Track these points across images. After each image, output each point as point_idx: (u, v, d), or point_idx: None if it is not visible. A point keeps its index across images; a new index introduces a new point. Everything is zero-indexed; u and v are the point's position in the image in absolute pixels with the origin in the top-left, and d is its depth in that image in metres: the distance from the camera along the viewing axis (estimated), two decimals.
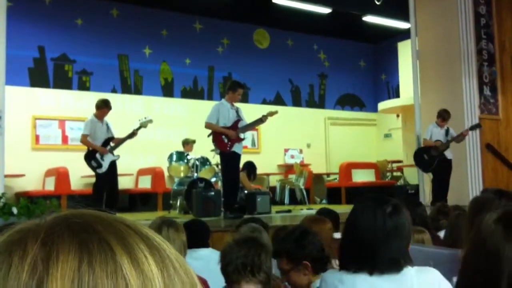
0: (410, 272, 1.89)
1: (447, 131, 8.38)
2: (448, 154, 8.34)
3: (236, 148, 7.26)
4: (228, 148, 7.20)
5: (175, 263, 0.49)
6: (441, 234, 3.69)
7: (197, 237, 3.33)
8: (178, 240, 2.78)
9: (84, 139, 7.50)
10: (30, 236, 0.46)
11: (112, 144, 7.55)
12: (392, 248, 1.90)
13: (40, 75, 10.82)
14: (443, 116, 8.35)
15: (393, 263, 1.89)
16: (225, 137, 7.21)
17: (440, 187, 8.21)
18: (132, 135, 7.62)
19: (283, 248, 2.59)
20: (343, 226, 2.22)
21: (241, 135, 7.36)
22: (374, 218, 1.93)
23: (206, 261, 2.95)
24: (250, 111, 7.93)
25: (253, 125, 7.66)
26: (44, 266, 0.43)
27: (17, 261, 0.44)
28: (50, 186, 10.02)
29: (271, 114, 7.38)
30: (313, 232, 2.69)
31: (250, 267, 2.20)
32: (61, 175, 9.91)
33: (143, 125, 7.66)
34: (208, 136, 7.44)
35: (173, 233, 2.78)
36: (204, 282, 2.70)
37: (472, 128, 8.50)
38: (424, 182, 8.96)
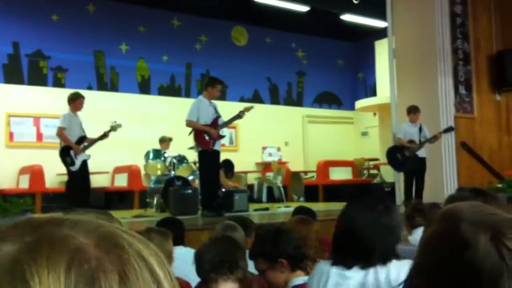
0: (393, 265, 2.02)
1: (420, 129, 8.44)
2: (422, 152, 8.39)
3: (216, 145, 7.24)
4: (210, 146, 7.17)
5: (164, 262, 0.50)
6: (417, 231, 3.71)
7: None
8: (164, 251, 2.82)
9: (60, 132, 7.33)
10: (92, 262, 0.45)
11: (85, 143, 7.44)
12: (385, 244, 2.04)
13: (14, 71, 10.64)
14: (413, 111, 8.41)
15: (385, 258, 2.02)
16: (207, 135, 7.17)
17: (416, 186, 8.26)
18: (104, 136, 7.55)
19: (258, 249, 2.58)
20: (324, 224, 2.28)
21: (221, 132, 7.35)
22: (369, 216, 2.08)
23: (182, 260, 2.91)
24: (228, 109, 7.90)
25: (231, 121, 7.65)
26: None
27: None
28: (24, 184, 9.88)
29: (248, 109, 7.42)
30: (287, 230, 2.70)
31: (228, 264, 2.20)
32: (35, 173, 9.77)
33: (113, 128, 7.60)
34: (189, 134, 7.40)
35: (160, 243, 2.82)
36: (187, 285, 2.68)
37: (445, 131, 8.56)
38: (401, 180, 9.02)
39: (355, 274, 2.03)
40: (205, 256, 2.26)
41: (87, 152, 7.48)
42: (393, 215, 2.11)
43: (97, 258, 0.45)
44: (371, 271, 2.01)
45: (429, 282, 0.92)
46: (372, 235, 2.03)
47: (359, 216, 2.10)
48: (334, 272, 2.08)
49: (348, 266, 2.05)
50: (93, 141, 7.54)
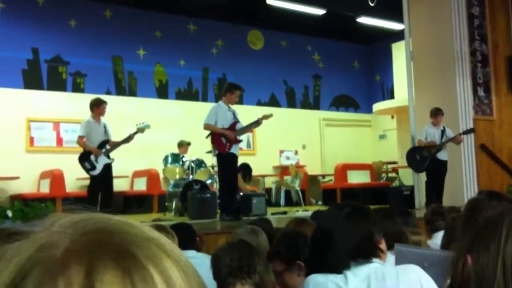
0: (388, 266, 2.02)
1: (443, 132, 8.38)
2: (443, 155, 8.34)
3: (233, 149, 7.29)
4: (227, 149, 7.23)
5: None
6: (437, 235, 3.69)
7: (183, 240, 3.29)
8: None
9: (79, 140, 7.47)
10: (72, 260, 0.45)
11: (108, 147, 7.52)
12: (349, 247, 2.01)
13: (34, 77, 10.78)
14: (435, 113, 8.38)
15: (352, 261, 1.99)
16: (224, 138, 7.24)
17: (434, 189, 8.21)
18: (128, 139, 7.61)
19: (275, 250, 2.59)
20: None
21: (238, 137, 7.41)
22: (328, 221, 2.10)
23: (195, 264, 2.91)
24: (244, 113, 7.94)
25: (249, 128, 7.72)
26: None
27: None
28: (45, 188, 9.98)
29: (266, 117, 7.48)
30: (305, 234, 2.70)
31: (246, 269, 2.20)
32: (56, 178, 9.87)
33: (140, 130, 7.64)
34: (207, 137, 7.49)
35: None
36: None
37: (466, 132, 8.52)
38: (419, 183, 8.97)
39: (352, 282, 1.99)
40: (222, 261, 2.26)
41: (111, 156, 7.55)
42: (356, 220, 2.08)
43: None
44: (372, 278, 1.97)
45: None
46: (337, 240, 2.01)
47: (323, 221, 2.12)
48: (331, 282, 2.02)
49: (325, 272, 2.01)
50: (117, 144, 7.61)
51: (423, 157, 8.31)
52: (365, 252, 2.02)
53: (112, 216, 0.51)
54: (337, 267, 2.00)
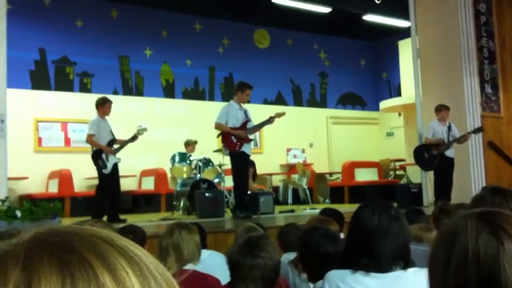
0: (409, 272, 1.99)
1: (449, 128, 8.36)
2: (450, 152, 8.32)
3: (245, 148, 7.34)
4: (237, 148, 7.27)
5: (155, 274, 0.48)
6: None
7: None
8: (191, 241, 2.84)
9: (90, 139, 7.44)
10: (9, 258, 0.45)
11: (116, 146, 7.55)
12: (394, 249, 2.01)
13: (41, 77, 10.83)
14: (443, 108, 8.35)
15: (394, 263, 2.00)
16: (234, 137, 7.27)
17: (443, 186, 8.18)
18: (134, 138, 7.65)
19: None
20: (347, 226, 2.28)
21: (250, 136, 7.43)
22: (380, 220, 2.04)
23: (207, 264, 2.95)
24: (251, 111, 7.94)
25: (261, 126, 7.77)
26: None
27: None
28: (53, 188, 10.04)
29: (279, 115, 7.52)
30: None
31: (267, 279, 2.21)
32: (64, 177, 9.92)
33: (139, 132, 7.66)
34: (218, 136, 7.56)
35: (185, 234, 2.83)
36: (216, 282, 2.71)
37: (475, 131, 8.49)
38: (427, 181, 8.95)
39: (373, 281, 1.99)
40: (240, 272, 2.26)
41: (118, 155, 7.58)
42: (403, 220, 2.10)
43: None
44: (391, 278, 1.97)
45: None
46: (380, 239, 2.00)
47: (367, 218, 2.06)
48: (350, 279, 2.03)
49: (365, 271, 2.00)
50: (124, 143, 7.64)
51: (432, 155, 8.29)
52: (405, 256, 2.03)
53: (77, 226, 0.50)
54: (381, 267, 1.99)
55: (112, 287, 0.44)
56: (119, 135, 7.79)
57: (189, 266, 2.73)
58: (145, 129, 7.74)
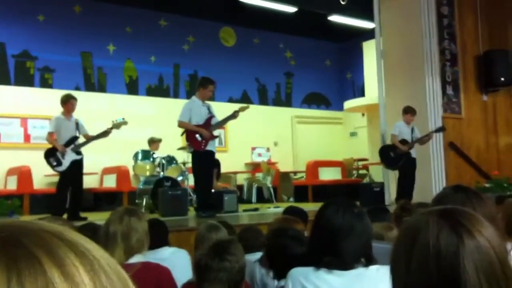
0: (371, 269, 2.02)
1: (412, 130, 8.52)
2: (413, 152, 8.48)
3: (210, 146, 7.21)
4: (202, 147, 7.13)
5: (106, 268, 0.47)
6: None
7: (156, 237, 3.26)
8: (141, 229, 2.68)
9: (48, 137, 7.34)
10: None
11: (76, 142, 7.36)
12: (358, 247, 2.04)
13: (1, 72, 10.56)
14: (411, 111, 8.48)
15: (357, 261, 2.03)
16: (199, 136, 7.14)
17: (406, 185, 8.32)
18: (105, 133, 7.42)
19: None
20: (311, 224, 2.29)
21: (215, 133, 7.32)
22: (344, 219, 2.06)
23: (171, 261, 2.90)
24: (216, 110, 7.89)
25: (225, 121, 7.62)
26: None
27: None
28: (12, 185, 9.80)
29: (243, 109, 7.39)
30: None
31: (233, 282, 2.23)
32: (23, 174, 9.70)
33: (115, 126, 7.45)
34: (181, 135, 7.39)
35: (136, 222, 2.68)
36: (168, 273, 2.66)
37: (437, 130, 8.66)
38: (390, 180, 9.07)
39: (336, 279, 2.00)
40: (208, 276, 2.25)
41: (83, 151, 7.41)
42: (366, 218, 2.13)
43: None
44: (353, 275, 1.99)
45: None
46: (343, 236, 2.03)
47: (336, 218, 2.08)
48: (313, 276, 2.04)
49: (328, 268, 2.02)
50: (92, 138, 7.45)
51: (397, 155, 8.41)
52: (367, 254, 2.06)
53: (25, 220, 0.49)
54: (343, 264, 2.01)
55: (60, 283, 0.43)
56: (87, 130, 7.60)
57: (137, 257, 2.61)
58: (124, 123, 7.44)
